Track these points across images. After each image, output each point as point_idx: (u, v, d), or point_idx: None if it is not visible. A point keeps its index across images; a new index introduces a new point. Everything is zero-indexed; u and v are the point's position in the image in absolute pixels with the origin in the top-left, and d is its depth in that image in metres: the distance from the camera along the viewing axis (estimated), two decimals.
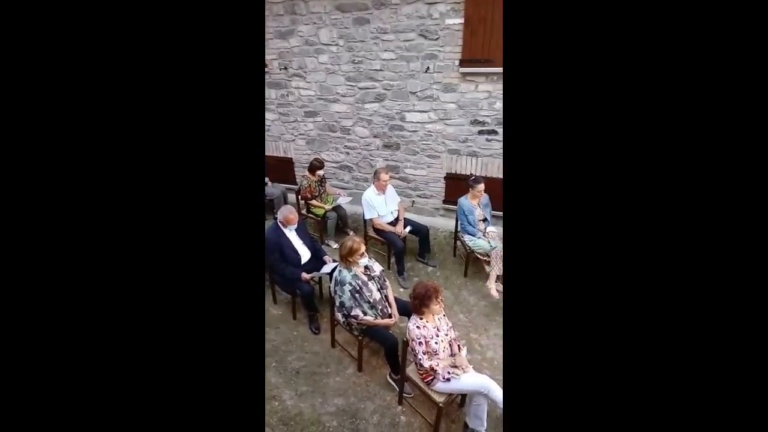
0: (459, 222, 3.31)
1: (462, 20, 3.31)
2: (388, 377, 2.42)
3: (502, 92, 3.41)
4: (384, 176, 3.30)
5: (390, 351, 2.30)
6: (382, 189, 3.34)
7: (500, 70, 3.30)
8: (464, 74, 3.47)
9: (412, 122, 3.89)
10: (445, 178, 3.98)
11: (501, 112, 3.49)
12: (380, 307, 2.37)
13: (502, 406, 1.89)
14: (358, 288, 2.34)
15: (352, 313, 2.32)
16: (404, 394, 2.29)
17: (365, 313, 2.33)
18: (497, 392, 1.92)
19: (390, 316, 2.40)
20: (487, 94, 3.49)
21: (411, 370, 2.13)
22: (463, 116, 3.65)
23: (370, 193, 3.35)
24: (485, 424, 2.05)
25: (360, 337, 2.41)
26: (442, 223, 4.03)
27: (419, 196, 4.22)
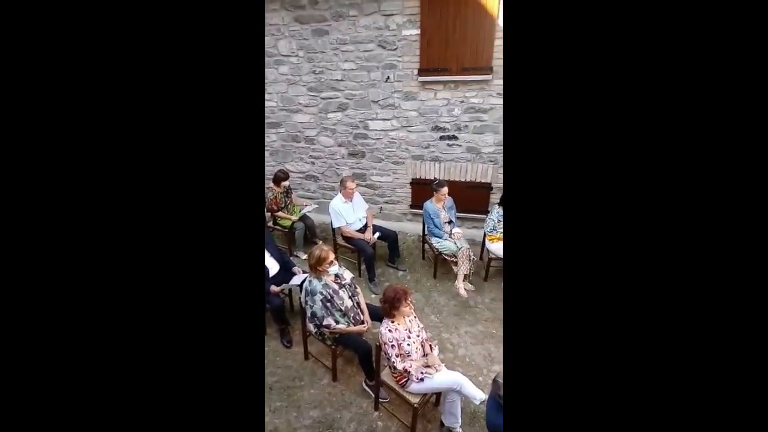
0: (425, 225, 3.39)
1: (418, 31, 3.44)
2: (363, 384, 2.42)
3: (460, 99, 3.57)
4: (350, 184, 3.33)
5: (364, 357, 2.30)
6: (349, 197, 3.37)
7: (457, 78, 3.45)
8: (423, 83, 3.60)
9: (376, 130, 3.96)
10: (410, 183, 4.07)
11: (459, 118, 3.64)
12: (352, 315, 2.38)
13: (475, 400, 1.96)
14: (329, 297, 2.33)
15: (324, 323, 2.31)
16: (380, 399, 2.29)
17: (337, 322, 2.32)
18: (470, 388, 1.98)
19: (363, 323, 2.41)
20: (445, 101, 3.64)
21: (386, 375, 2.15)
22: (424, 123, 3.77)
23: (338, 202, 3.36)
24: (460, 420, 2.10)
25: (333, 347, 2.40)
26: (410, 228, 4.11)
27: (386, 203, 4.28)
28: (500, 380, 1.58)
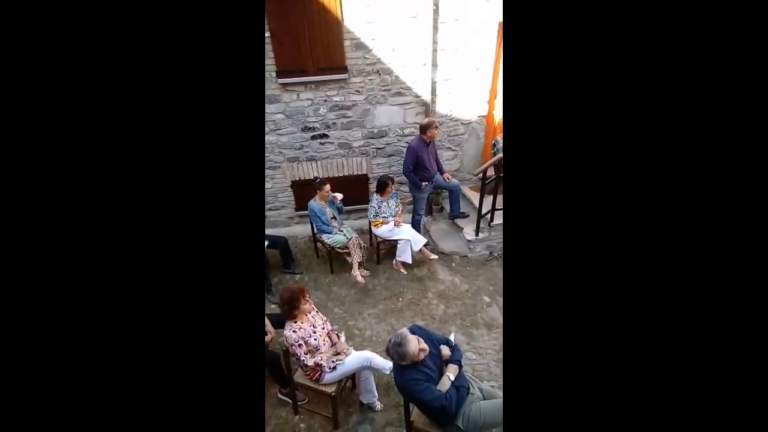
0: (314, 224, 3.44)
1: (267, 34, 3.40)
2: (278, 395, 2.37)
3: (323, 99, 3.68)
4: None
5: (274, 367, 2.25)
6: None
7: (315, 78, 3.55)
8: (283, 85, 3.58)
9: None
10: (291, 186, 4.03)
11: (326, 117, 3.77)
12: None
13: (385, 371, 2.14)
14: None
15: None
16: (298, 403, 2.29)
17: None
18: (378, 360, 2.15)
19: (266, 334, 2.34)
20: (309, 102, 3.70)
21: (298, 376, 2.16)
22: (293, 125, 3.77)
23: None
24: (376, 393, 2.27)
25: None
26: (299, 230, 4.09)
27: (270, 209, 4.15)
28: (390, 343, 1.75)
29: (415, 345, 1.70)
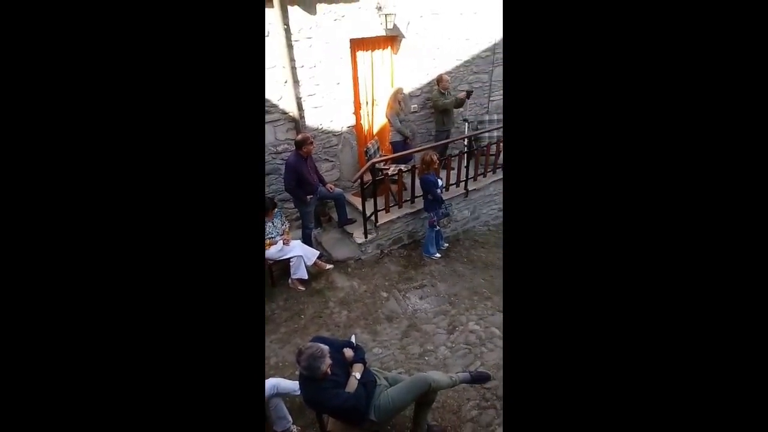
0: None
1: None
2: None
3: None
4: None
5: None
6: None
7: None
8: None
9: None
10: None
11: None
12: None
13: (295, 393, 2.09)
14: None
15: None
16: None
17: None
18: (285, 384, 2.09)
19: None
20: None
21: None
22: None
23: None
24: (290, 418, 2.20)
25: None
26: None
27: None
28: (303, 356, 1.75)
29: (328, 361, 1.71)
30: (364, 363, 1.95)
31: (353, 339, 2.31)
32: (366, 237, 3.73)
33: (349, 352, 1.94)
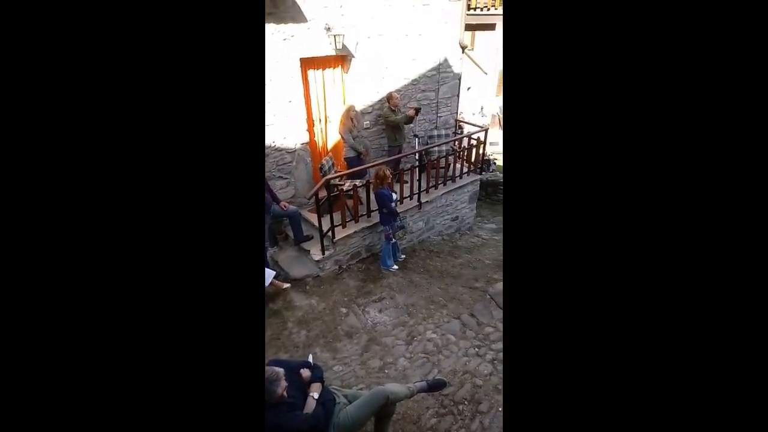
0: None
1: None
2: None
3: None
4: None
5: None
6: None
7: None
8: None
9: None
10: None
11: None
12: None
13: None
14: None
15: None
16: None
17: None
18: None
19: None
20: None
21: None
22: None
23: None
24: None
25: None
26: None
27: None
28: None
29: (284, 384, 1.70)
30: (323, 382, 1.95)
31: (310, 358, 2.29)
32: (323, 253, 3.73)
33: (306, 372, 1.94)
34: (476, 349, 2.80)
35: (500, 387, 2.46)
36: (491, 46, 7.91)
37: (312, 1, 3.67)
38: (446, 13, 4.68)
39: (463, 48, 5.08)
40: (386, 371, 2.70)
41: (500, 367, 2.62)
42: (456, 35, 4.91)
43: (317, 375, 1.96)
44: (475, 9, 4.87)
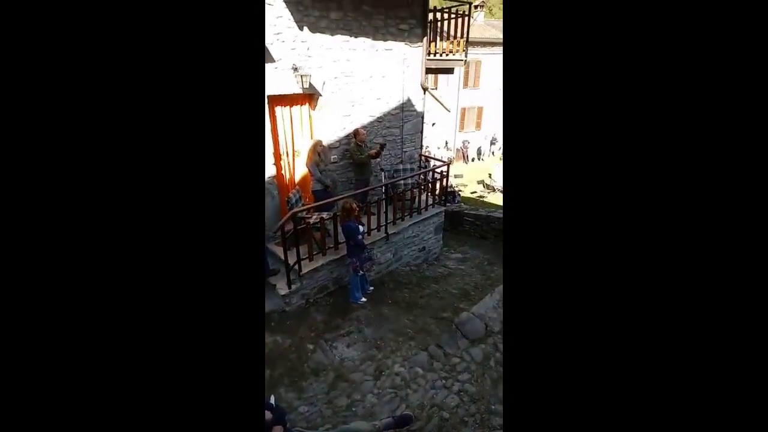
0: None
1: None
2: None
3: None
4: None
5: None
6: None
7: None
8: None
9: None
10: None
11: None
12: None
13: None
14: None
15: None
16: None
17: None
18: None
19: None
20: None
21: None
22: None
23: None
24: None
25: None
26: None
27: None
28: None
29: None
30: (284, 424, 1.88)
31: (272, 400, 2.21)
32: (290, 287, 3.67)
33: (267, 415, 1.86)
34: (443, 381, 2.81)
35: (467, 419, 2.47)
36: (453, 86, 8.50)
37: (280, 43, 3.85)
38: (408, 57, 5.04)
39: (425, 89, 5.44)
40: (354, 409, 2.63)
41: (466, 399, 2.64)
42: (418, 77, 5.27)
43: (278, 417, 1.89)
44: (435, 54, 5.28)
